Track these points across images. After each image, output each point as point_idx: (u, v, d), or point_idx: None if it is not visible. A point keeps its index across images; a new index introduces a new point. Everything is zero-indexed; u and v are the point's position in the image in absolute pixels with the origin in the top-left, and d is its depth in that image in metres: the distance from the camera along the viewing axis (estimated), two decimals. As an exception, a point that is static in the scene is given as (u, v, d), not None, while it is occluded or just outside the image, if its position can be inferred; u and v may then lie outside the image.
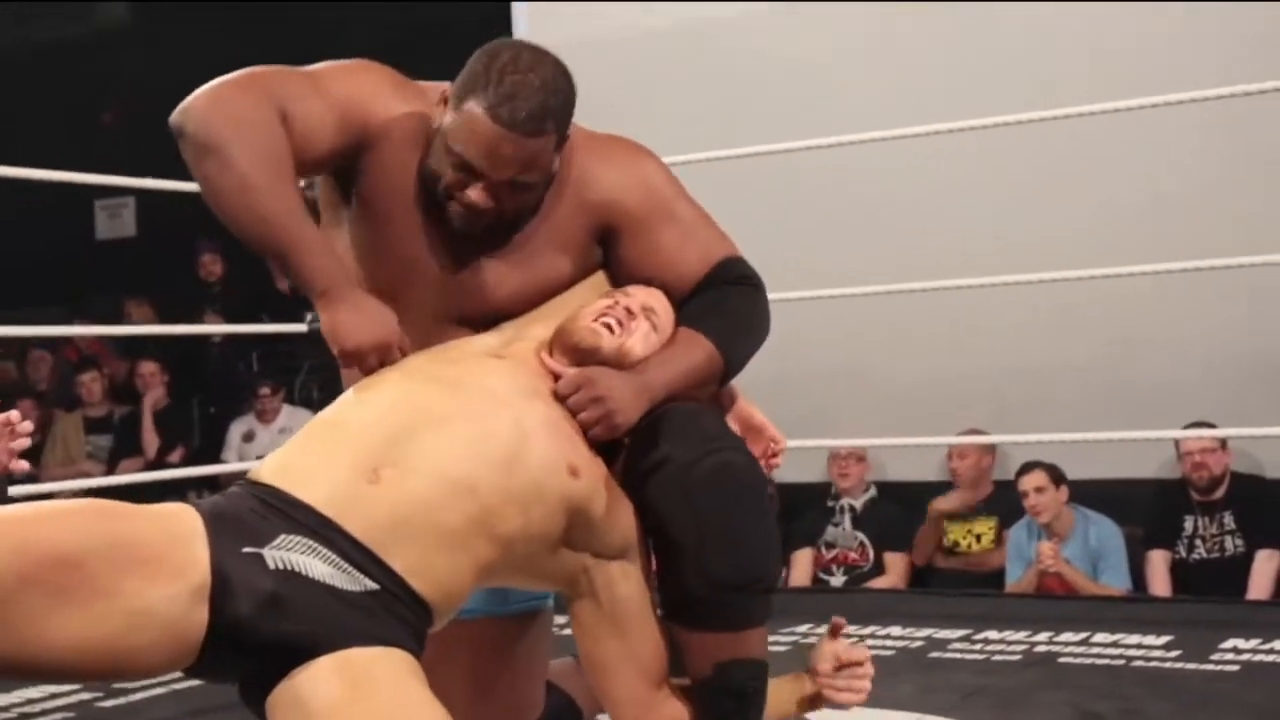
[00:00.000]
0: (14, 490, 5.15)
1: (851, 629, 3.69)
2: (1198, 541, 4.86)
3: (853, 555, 5.42)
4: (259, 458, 3.23)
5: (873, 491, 5.53)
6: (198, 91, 1.85)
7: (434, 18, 8.20)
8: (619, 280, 2.01)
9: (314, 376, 7.39)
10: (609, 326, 1.89)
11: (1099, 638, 3.48)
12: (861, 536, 5.44)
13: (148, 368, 6.96)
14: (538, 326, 1.95)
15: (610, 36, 5.82)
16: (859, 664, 2.02)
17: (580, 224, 1.97)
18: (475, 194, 1.86)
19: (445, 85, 1.92)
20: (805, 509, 5.61)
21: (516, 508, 1.72)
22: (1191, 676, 3.09)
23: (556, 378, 1.87)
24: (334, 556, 1.61)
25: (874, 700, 2.91)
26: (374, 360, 1.85)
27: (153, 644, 1.55)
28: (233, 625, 1.56)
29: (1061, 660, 3.30)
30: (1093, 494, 5.04)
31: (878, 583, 5.30)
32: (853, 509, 5.47)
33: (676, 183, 2.05)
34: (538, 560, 1.79)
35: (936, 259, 4.93)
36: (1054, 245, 4.87)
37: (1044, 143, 4.86)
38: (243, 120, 1.81)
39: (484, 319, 1.97)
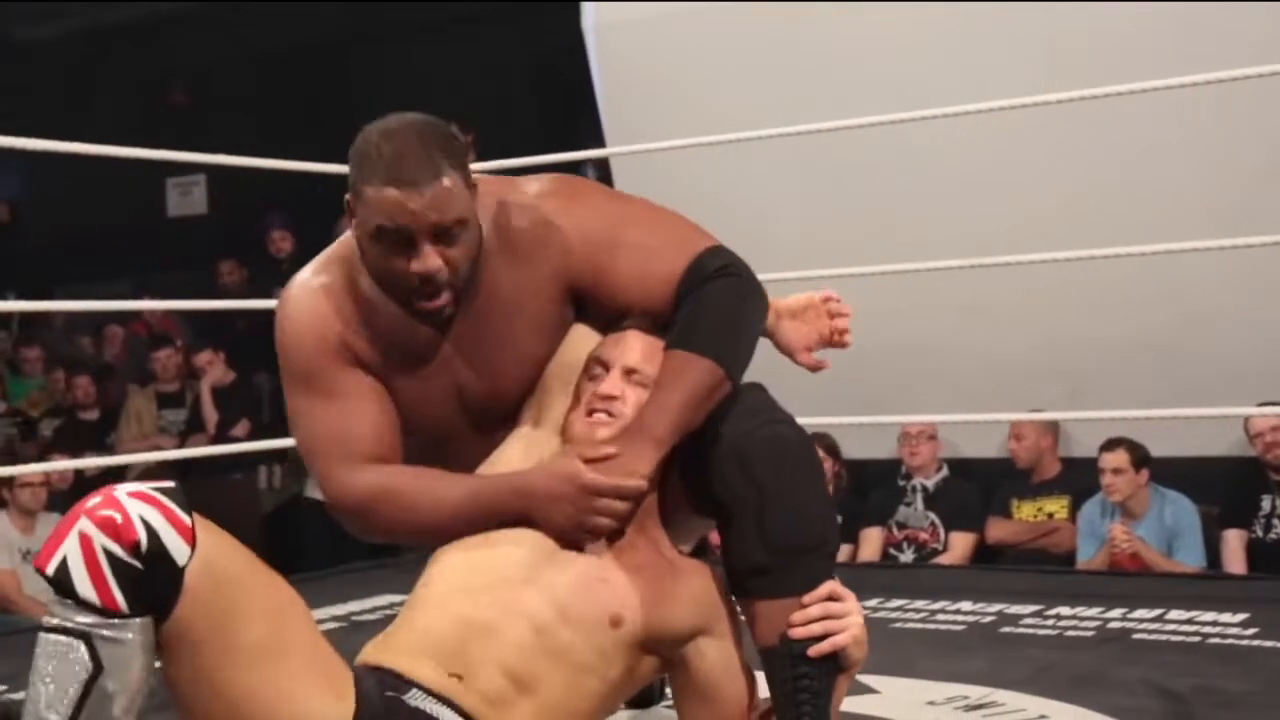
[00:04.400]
0: (91, 461, 5.19)
1: (920, 603, 3.70)
2: (1275, 520, 4.79)
3: (924, 535, 5.39)
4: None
5: (945, 471, 5.49)
6: None
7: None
8: (600, 320, 2.02)
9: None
10: (602, 420, 1.91)
11: (1173, 615, 3.44)
12: (933, 516, 5.41)
13: (204, 357, 7.08)
14: (549, 412, 2.01)
15: (675, 13, 5.78)
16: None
17: (542, 297, 1.99)
18: (422, 263, 1.87)
19: (350, 243, 1.99)
20: (876, 485, 5.58)
21: (586, 680, 1.82)
22: (1269, 654, 3.05)
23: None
24: (458, 717, 1.77)
25: (947, 674, 2.92)
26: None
27: None
28: None
29: (1136, 637, 3.27)
30: (1169, 471, 4.98)
31: (943, 559, 5.27)
32: (925, 489, 5.44)
33: (612, 204, 2.05)
34: (627, 686, 1.90)
35: (1007, 234, 4.87)
36: (1121, 221, 4.81)
37: (1115, 120, 4.79)
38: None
39: (503, 413, 2.03)
